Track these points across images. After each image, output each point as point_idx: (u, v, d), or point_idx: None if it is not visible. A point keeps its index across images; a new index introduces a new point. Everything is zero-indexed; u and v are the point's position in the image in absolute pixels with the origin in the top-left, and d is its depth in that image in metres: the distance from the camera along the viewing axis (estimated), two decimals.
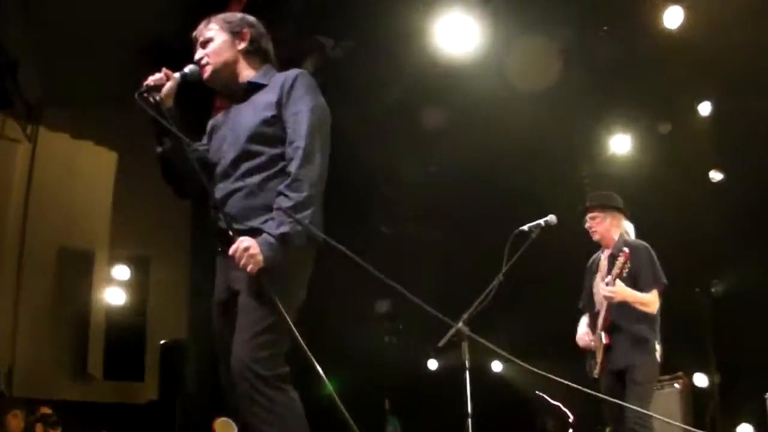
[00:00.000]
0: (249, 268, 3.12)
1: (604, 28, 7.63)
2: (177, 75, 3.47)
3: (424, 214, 9.71)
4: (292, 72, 3.49)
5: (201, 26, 3.64)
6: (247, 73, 3.59)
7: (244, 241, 3.14)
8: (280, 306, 3.11)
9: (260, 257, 3.12)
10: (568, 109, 8.31)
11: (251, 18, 3.68)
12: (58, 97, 9.44)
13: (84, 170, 9.80)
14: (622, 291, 5.03)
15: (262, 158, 3.36)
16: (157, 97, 3.37)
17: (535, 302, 8.67)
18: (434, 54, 7.45)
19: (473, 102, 8.15)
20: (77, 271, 9.31)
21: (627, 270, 5.02)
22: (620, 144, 9.05)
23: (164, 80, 3.42)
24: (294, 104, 3.37)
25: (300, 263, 3.32)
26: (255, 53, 3.61)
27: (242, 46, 3.57)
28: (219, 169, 3.46)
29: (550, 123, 8.31)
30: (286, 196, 3.21)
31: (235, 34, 3.57)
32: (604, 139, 9.07)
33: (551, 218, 4.87)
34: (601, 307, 5.19)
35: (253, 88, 3.54)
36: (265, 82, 3.52)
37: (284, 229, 3.16)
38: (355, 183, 8.85)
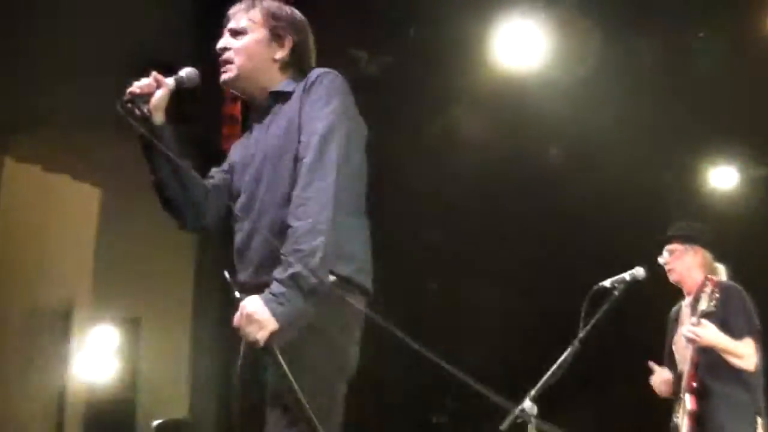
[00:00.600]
0: (257, 341, 2.92)
1: (700, 34, 7.69)
2: (170, 81, 3.40)
3: (482, 268, 9.77)
4: (315, 71, 3.36)
5: (242, 6, 3.54)
6: (276, 85, 3.47)
7: (247, 305, 2.95)
8: (308, 406, 2.90)
9: (270, 322, 2.91)
10: (655, 135, 8.37)
11: (302, 20, 3.56)
12: (28, 122, 9.54)
13: (60, 210, 9.65)
14: (710, 333, 4.92)
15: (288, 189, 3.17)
16: (145, 109, 3.30)
17: (621, 375, 8.67)
18: (490, 70, 7.61)
19: (538, 129, 8.25)
20: (51, 335, 9.25)
21: (714, 304, 4.95)
22: (723, 177, 9.05)
23: (154, 87, 3.35)
24: (310, 107, 3.24)
25: (336, 320, 3.13)
26: (292, 65, 3.50)
27: (279, 55, 3.45)
28: (240, 206, 3.37)
29: (632, 153, 8.37)
30: (289, 226, 3.04)
31: (276, 37, 3.45)
32: (703, 171, 9.09)
33: (638, 271, 4.85)
34: (685, 364, 5.13)
35: (278, 98, 3.44)
36: (289, 90, 3.41)
37: (294, 269, 2.94)
38: (394, 230, 8.95)
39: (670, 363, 5.42)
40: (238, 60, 3.43)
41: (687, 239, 5.45)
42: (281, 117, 3.37)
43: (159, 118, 3.34)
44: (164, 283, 9.43)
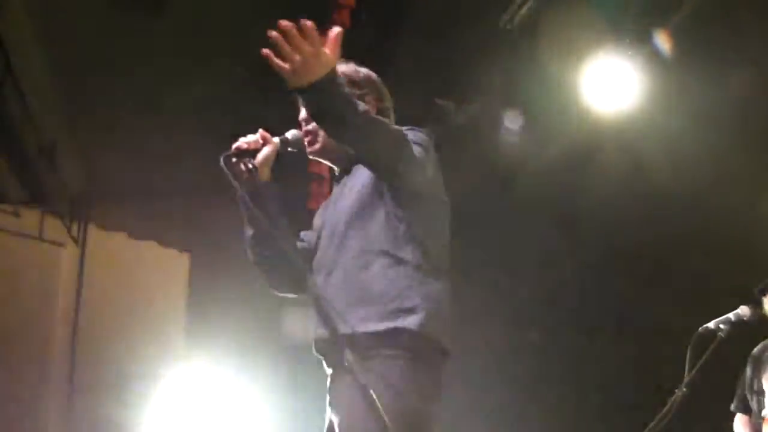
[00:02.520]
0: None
1: None
2: (276, 140, 3.47)
3: (578, 318, 9.76)
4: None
5: None
6: None
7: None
8: None
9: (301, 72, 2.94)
10: (755, 172, 8.33)
11: (377, 79, 3.60)
12: (109, 188, 9.70)
13: (147, 277, 9.88)
14: None
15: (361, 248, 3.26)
16: (250, 165, 3.37)
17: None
18: (581, 112, 7.68)
19: (630, 169, 8.27)
20: (143, 398, 9.27)
21: None
22: None
23: (260, 144, 3.42)
24: None
25: (416, 380, 3.12)
26: None
27: None
28: (315, 261, 3.42)
29: (731, 190, 8.33)
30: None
31: (357, 98, 3.32)
32: None
33: (743, 311, 4.84)
34: None
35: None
36: None
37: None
38: (492, 281, 9.04)
39: (753, 402, 5.36)
40: (322, 131, 3.45)
41: None
42: (356, 176, 3.44)
43: (265, 174, 3.41)
44: (261, 346, 9.52)
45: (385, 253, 3.25)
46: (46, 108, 8.25)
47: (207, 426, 9.28)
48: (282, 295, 3.68)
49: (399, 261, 3.24)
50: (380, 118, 3.16)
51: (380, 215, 3.29)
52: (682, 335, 4.86)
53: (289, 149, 3.51)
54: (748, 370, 5.44)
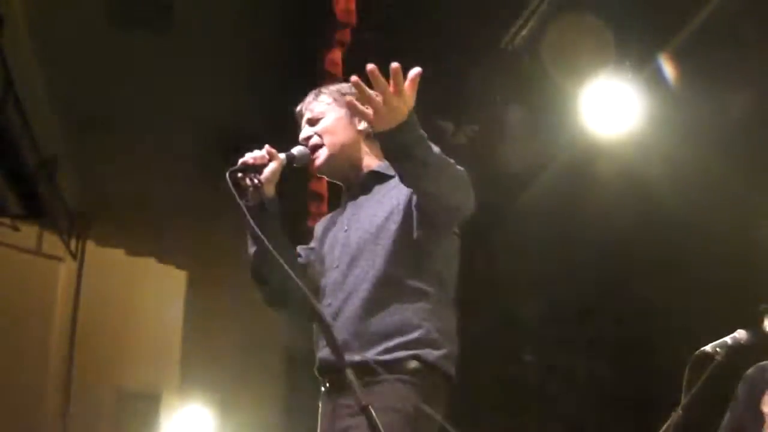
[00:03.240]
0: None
1: None
2: (282, 156, 3.43)
3: (574, 337, 9.77)
4: None
5: (308, 99, 3.63)
6: (369, 160, 3.56)
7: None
8: None
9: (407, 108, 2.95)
10: (753, 193, 8.34)
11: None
12: (108, 204, 9.71)
13: (144, 294, 9.89)
14: None
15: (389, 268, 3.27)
16: (256, 181, 3.34)
17: None
18: (579, 134, 7.71)
19: (631, 192, 8.28)
20: (140, 418, 9.30)
21: None
22: None
23: (266, 160, 3.39)
24: None
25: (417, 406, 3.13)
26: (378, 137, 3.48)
27: (363, 125, 3.50)
28: (328, 282, 3.42)
29: (730, 212, 8.34)
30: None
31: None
32: None
33: (740, 334, 4.84)
34: None
35: (376, 178, 3.51)
36: (390, 174, 3.41)
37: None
38: (489, 299, 9.03)
39: (748, 427, 5.35)
40: (326, 139, 3.52)
41: None
42: (380, 198, 3.46)
43: (270, 191, 3.39)
44: (253, 364, 9.48)
45: (405, 284, 3.27)
46: (46, 124, 8.29)
47: None
48: (280, 312, 3.70)
49: (419, 292, 3.27)
50: (449, 159, 3.16)
51: (404, 245, 3.30)
52: (679, 356, 4.86)
53: (295, 165, 3.50)
54: (741, 392, 5.42)
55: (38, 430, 9.06)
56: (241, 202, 3.25)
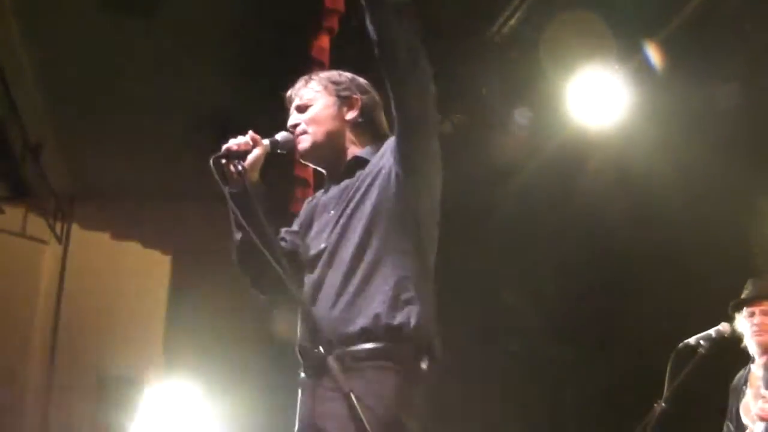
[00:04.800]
0: None
1: None
2: (266, 142, 3.44)
3: (560, 328, 9.76)
4: (392, 138, 3.41)
5: (298, 85, 3.61)
6: (354, 149, 3.53)
7: None
8: None
9: None
10: (738, 184, 8.34)
11: (363, 81, 3.63)
12: (94, 188, 9.66)
13: (129, 277, 9.84)
14: None
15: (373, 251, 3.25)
16: (240, 167, 3.32)
17: None
18: (565, 125, 7.69)
19: (615, 185, 8.27)
20: (122, 401, 9.24)
21: None
22: None
23: (250, 146, 3.38)
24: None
25: (410, 390, 3.11)
26: (365, 127, 3.55)
27: (351, 115, 3.52)
28: (313, 257, 3.40)
29: (713, 205, 8.34)
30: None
31: (343, 99, 3.52)
32: None
33: (724, 327, 4.83)
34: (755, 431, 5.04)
35: (360, 164, 3.48)
36: (369, 158, 3.46)
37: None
38: (474, 291, 9.00)
39: (737, 429, 5.34)
40: (311, 128, 3.50)
41: None
42: (362, 179, 3.41)
43: (254, 177, 3.38)
44: (237, 349, 9.43)
45: (389, 269, 3.22)
46: (32, 106, 8.23)
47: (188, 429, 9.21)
48: (265, 297, 3.64)
49: (402, 278, 3.22)
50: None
51: (388, 228, 3.27)
52: (665, 348, 4.85)
53: (279, 151, 3.48)
54: (729, 404, 5.42)
55: (21, 412, 9.03)
56: (225, 189, 3.27)
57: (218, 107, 8.06)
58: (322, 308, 3.24)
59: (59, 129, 8.91)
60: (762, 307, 5.30)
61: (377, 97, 3.60)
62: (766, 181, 8.42)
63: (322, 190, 3.67)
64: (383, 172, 3.34)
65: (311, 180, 6.77)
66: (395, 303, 3.16)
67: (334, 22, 6.87)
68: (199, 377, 9.30)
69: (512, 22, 7.50)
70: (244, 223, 3.22)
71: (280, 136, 3.50)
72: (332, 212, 3.45)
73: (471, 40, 7.69)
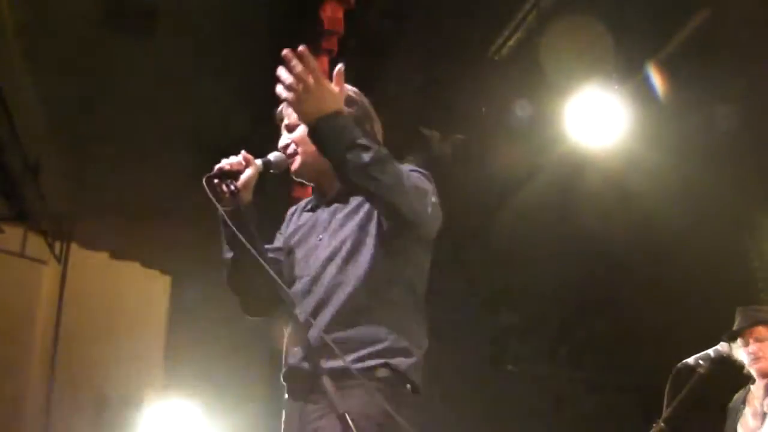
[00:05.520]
0: (290, 96, 3.04)
1: None
2: (259, 162, 3.45)
3: (558, 346, 9.77)
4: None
5: (285, 103, 3.48)
6: None
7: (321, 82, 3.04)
8: None
9: (307, 105, 3.04)
10: (738, 205, 8.34)
11: (351, 91, 3.57)
12: (93, 208, 9.67)
13: (128, 297, 9.83)
14: None
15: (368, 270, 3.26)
16: (233, 187, 3.32)
17: None
18: (564, 145, 7.71)
19: (612, 204, 8.28)
20: (122, 422, 9.24)
21: None
22: None
23: (243, 166, 3.40)
24: None
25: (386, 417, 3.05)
26: None
27: None
28: (299, 290, 3.39)
29: (715, 224, 8.35)
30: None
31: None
32: None
33: (723, 347, 4.83)
34: None
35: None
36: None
37: (365, 143, 3.06)
38: (470, 309, 9.01)
39: None
40: (300, 148, 3.49)
41: None
42: (354, 207, 3.42)
43: (247, 197, 3.39)
44: (237, 369, 9.41)
45: (377, 292, 3.25)
46: (31, 127, 8.25)
47: None
48: (254, 318, 3.66)
49: (390, 302, 3.26)
50: (392, 161, 3.14)
51: (376, 255, 3.28)
52: (664, 367, 4.86)
53: (272, 171, 3.49)
54: (727, 422, 5.44)
55: (20, 431, 9.02)
56: (220, 208, 3.28)
57: (219, 127, 8.09)
58: (311, 333, 3.24)
59: (58, 149, 8.93)
60: (754, 335, 5.33)
61: (368, 107, 3.60)
62: (765, 199, 8.45)
63: (305, 203, 3.70)
64: (374, 213, 3.34)
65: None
66: (387, 344, 3.20)
67: (333, 44, 6.91)
68: (198, 396, 9.29)
69: (511, 42, 7.54)
70: (243, 240, 3.22)
71: (273, 156, 3.51)
72: (321, 238, 3.46)
73: (471, 60, 7.72)
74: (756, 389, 5.33)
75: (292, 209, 3.80)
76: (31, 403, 9.26)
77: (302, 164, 3.50)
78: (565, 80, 7.42)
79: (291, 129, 3.55)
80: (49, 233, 9.67)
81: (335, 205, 3.50)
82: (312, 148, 3.35)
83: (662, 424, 4.51)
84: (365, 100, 3.60)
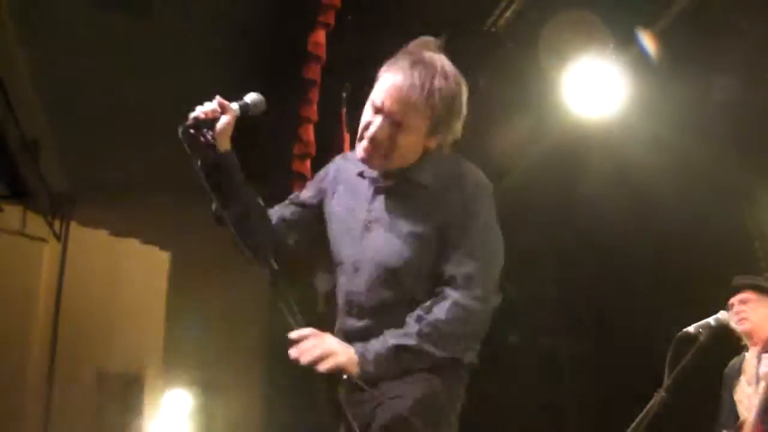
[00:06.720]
0: (312, 360, 2.96)
1: None
2: (234, 106, 3.27)
3: (558, 320, 9.79)
4: (472, 186, 3.35)
5: (399, 82, 3.25)
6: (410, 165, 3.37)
7: (330, 342, 3.04)
8: None
9: (341, 359, 2.99)
10: (733, 173, 8.36)
11: (463, 106, 3.42)
12: (92, 186, 9.67)
13: (128, 275, 9.86)
14: None
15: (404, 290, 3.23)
16: (209, 136, 3.19)
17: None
18: (562, 116, 7.71)
19: (610, 176, 8.28)
20: (122, 400, 9.30)
21: None
22: None
23: (218, 113, 3.22)
24: (466, 220, 3.26)
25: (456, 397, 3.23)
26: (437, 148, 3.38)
27: (434, 144, 3.33)
28: (346, 258, 3.37)
29: (711, 195, 8.35)
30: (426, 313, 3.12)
31: (436, 129, 3.29)
32: None
33: (722, 315, 4.85)
34: (749, 418, 5.13)
35: (411, 183, 3.34)
36: (424, 183, 3.31)
37: (404, 341, 3.04)
38: None
39: (731, 416, 5.39)
40: (393, 154, 3.29)
41: (762, 290, 5.46)
42: (409, 206, 3.32)
43: (225, 144, 3.24)
44: (237, 345, 9.47)
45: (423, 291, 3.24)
46: (29, 105, 8.23)
47: (188, 426, 9.24)
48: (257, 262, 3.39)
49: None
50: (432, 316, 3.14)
51: (429, 263, 3.26)
52: (664, 338, 4.87)
53: (250, 114, 3.33)
54: (723, 390, 5.50)
55: (20, 411, 9.04)
56: (196, 158, 3.18)
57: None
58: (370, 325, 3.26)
59: (57, 127, 8.91)
60: (739, 297, 5.52)
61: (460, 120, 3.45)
62: (763, 171, 8.46)
63: (355, 165, 3.51)
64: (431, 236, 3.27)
65: (310, 175, 6.79)
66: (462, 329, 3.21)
67: (330, 17, 6.89)
68: (198, 374, 9.32)
69: (508, 13, 7.52)
70: (216, 190, 3.17)
71: (249, 98, 3.36)
72: (364, 219, 3.39)
73: (467, 32, 7.70)
74: (750, 357, 5.40)
75: (336, 163, 3.66)
76: (31, 381, 9.28)
77: (379, 161, 3.31)
78: (562, 52, 7.41)
79: (393, 122, 3.23)
80: (48, 212, 9.67)
81: (392, 198, 3.39)
82: (402, 153, 3.28)
83: (663, 393, 4.53)
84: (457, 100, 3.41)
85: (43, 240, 9.75)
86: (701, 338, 4.72)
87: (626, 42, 7.24)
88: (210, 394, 9.45)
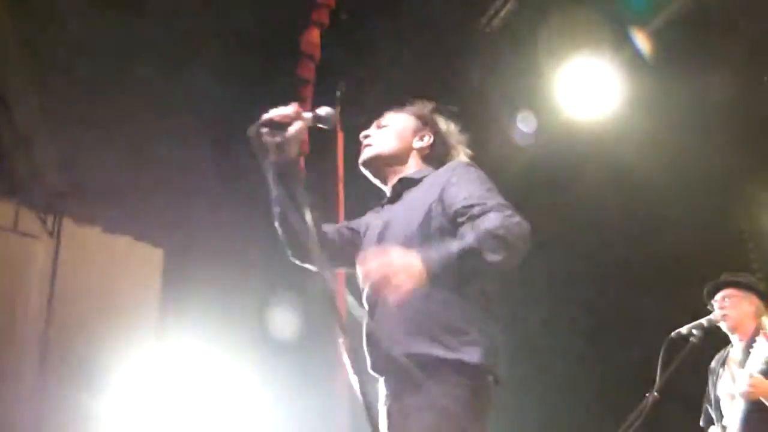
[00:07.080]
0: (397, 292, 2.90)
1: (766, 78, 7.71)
2: (309, 115, 3.34)
3: (554, 319, 9.79)
4: (452, 163, 3.62)
5: (392, 110, 3.79)
6: (406, 172, 3.70)
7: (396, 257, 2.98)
8: None
9: (420, 269, 2.96)
10: (727, 177, 8.37)
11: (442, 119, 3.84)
12: (85, 182, 9.66)
13: (121, 271, 9.80)
14: (764, 385, 4.97)
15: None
16: (279, 138, 3.24)
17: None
18: (557, 116, 7.71)
19: (605, 176, 8.29)
20: (114, 397, 9.24)
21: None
22: None
23: (292, 117, 3.28)
24: (458, 179, 3.44)
25: (471, 407, 3.19)
26: (431, 158, 3.75)
27: (419, 144, 3.74)
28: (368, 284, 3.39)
29: (705, 196, 8.37)
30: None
31: (419, 130, 3.77)
32: None
33: (715, 316, 4.88)
34: (732, 409, 5.17)
35: (406, 184, 3.64)
36: (417, 177, 3.62)
37: (464, 245, 3.07)
38: None
39: (716, 411, 5.42)
40: (380, 142, 3.69)
41: (746, 287, 5.51)
42: (408, 202, 3.55)
43: (293, 150, 3.31)
44: (230, 343, 9.35)
45: (448, 287, 3.25)
46: (23, 100, 8.22)
47: (181, 422, 9.25)
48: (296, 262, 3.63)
49: (461, 296, 3.29)
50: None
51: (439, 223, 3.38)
52: (657, 338, 4.89)
53: (321, 126, 3.40)
54: (708, 384, 5.53)
55: (13, 407, 9.03)
56: (262, 160, 3.25)
57: (209, 102, 8.09)
58: (391, 326, 3.33)
59: (50, 123, 8.91)
60: (722, 294, 5.59)
61: (453, 136, 3.94)
62: (759, 170, 8.48)
63: (379, 207, 3.81)
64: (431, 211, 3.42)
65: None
66: (460, 336, 3.25)
67: (324, 16, 6.90)
68: (192, 372, 9.33)
69: (503, 12, 7.53)
70: (282, 193, 3.30)
71: (324, 111, 3.40)
72: (380, 231, 3.55)
73: (462, 31, 7.71)
74: (734, 351, 5.47)
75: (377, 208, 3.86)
76: (24, 378, 9.27)
77: (375, 156, 3.67)
78: (556, 51, 7.42)
79: (381, 126, 3.75)
80: (41, 208, 9.64)
81: (396, 204, 3.65)
82: (390, 146, 3.69)
83: (656, 394, 4.55)
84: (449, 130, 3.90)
85: (35, 237, 9.70)
86: (693, 339, 4.75)
87: (622, 41, 7.26)
88: (205, 390, 9.40)
